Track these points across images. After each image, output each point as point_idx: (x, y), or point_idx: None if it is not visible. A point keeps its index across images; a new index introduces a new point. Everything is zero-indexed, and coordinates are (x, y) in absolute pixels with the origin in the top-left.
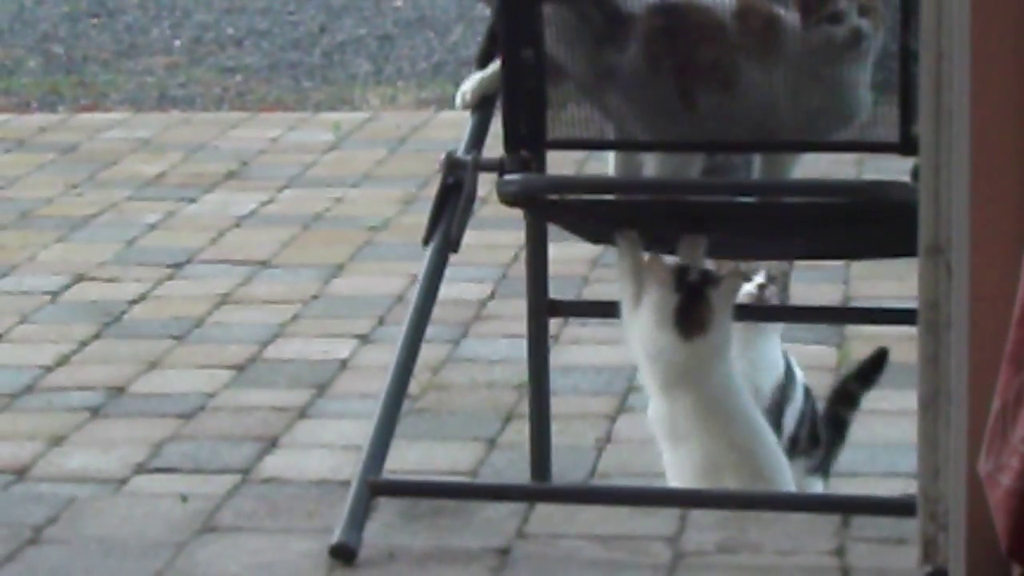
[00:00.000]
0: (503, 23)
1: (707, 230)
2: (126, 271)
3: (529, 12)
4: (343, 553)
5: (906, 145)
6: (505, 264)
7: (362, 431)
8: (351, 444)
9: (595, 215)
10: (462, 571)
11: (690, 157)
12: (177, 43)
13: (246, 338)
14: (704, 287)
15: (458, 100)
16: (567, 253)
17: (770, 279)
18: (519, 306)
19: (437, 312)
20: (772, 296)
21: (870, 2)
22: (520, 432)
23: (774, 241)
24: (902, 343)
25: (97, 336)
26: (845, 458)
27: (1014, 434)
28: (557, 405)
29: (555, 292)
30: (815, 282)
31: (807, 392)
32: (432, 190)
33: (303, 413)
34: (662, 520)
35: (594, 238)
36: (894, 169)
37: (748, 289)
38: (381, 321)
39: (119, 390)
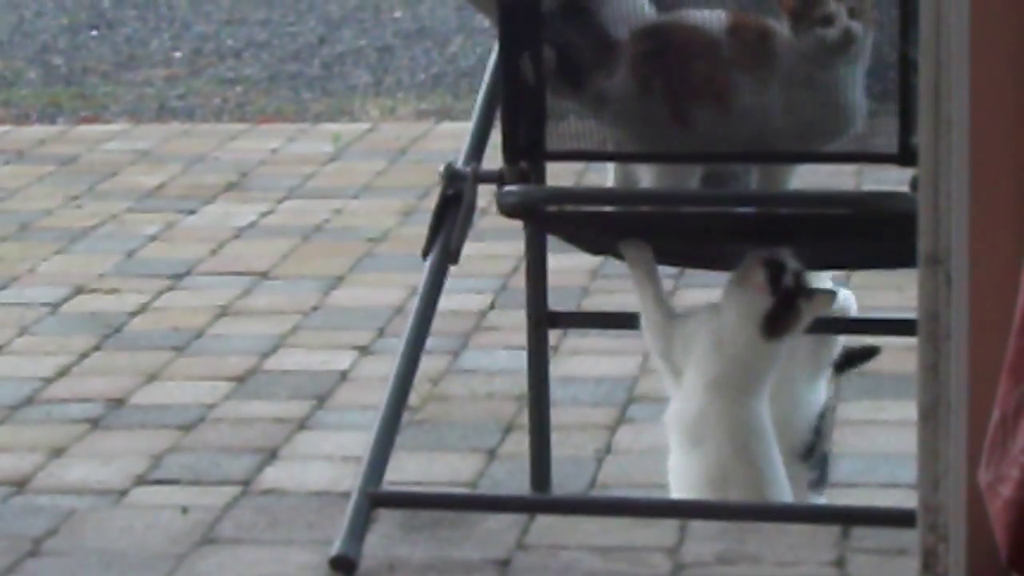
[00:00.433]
0: (502, 34)
1: (706, 241)
2: (126, 283)
3: (529, 23)
4: (343, 565)
5: (905, 156)
6: (505, 275)
7: (362, 442)
8: (351, 455)
9: (595, 226)
10: None
11: (688, 168)
12: (177, 55)
13: (246, 349)
14: (797, 296)
15: None
16: (567, 264)
17: None
18: (519, 317)
19: (437, 323)
20: None
21: (860, 4)
22: (520, 443)
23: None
24: (901, 353)
25: (97, 348)
26: (844, 468)
27: (1014, 445)
28: (557, 416)
29: (555, 303)
30: None
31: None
32: (432, 201)
33: (303, 424)
34: (662, 531)
35: (594, 249)
36: (893, 180)
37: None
38: (381, 332)
39: (119, 402)
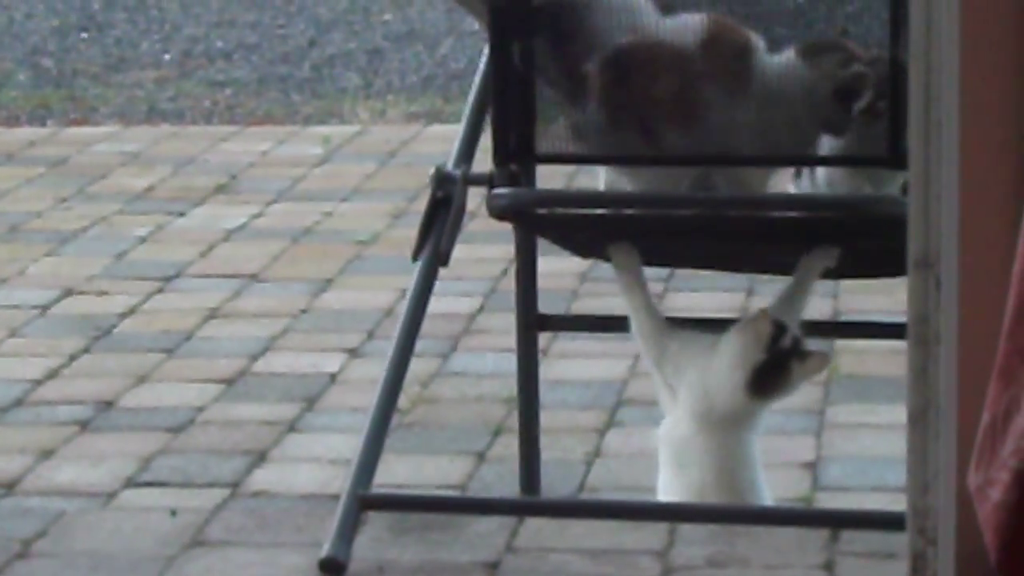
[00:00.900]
0: (492, 37)
1: (696, 244)
2: (115, 285)
3: (519, 26)
4: (332, 567)
5: (895, 159)
6: (494, 278)
7: (351, 445)
8: (340, 458)
9: (585, 229)
10: None
11: (676, 175)
12: (167, 57)
13: (235, 352)
14: (791, 358)
15: None
16: (557, 267)
17: None
18: (508, 320)
19: (426, 326)
20: None
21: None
22: (509, 446)
23: (762, 255)
24: (891, 357)
25: (86, 350)
26: (833, 472)
27: (1003, 448)
28: (546, 419)
29: (544, 306)
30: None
31: None
32: (422, 204)
33: (292, 427)
34: (651, 534)
35: (584, 252)
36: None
37: None
38: (370, 335)
39: (108, 404)
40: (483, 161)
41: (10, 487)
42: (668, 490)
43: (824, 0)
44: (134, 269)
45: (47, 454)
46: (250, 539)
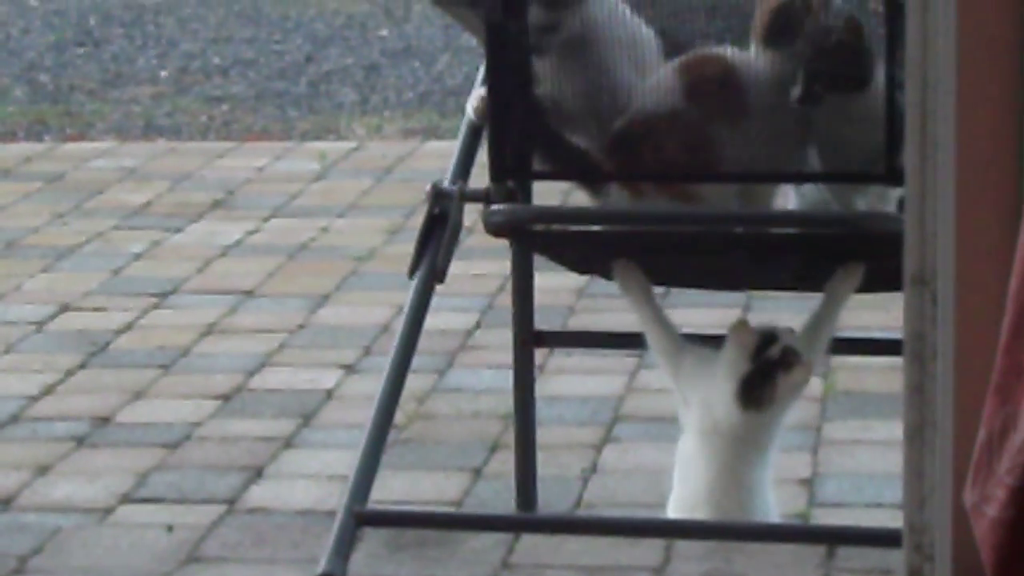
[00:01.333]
0: (489, 53)
1: (693, 260)
2: (112, 301)
3: (516, 43)
4: None
5: (892, 175)
6: (491, 294)
7: (348, 461)
8: (337, 474)
9: (581, 245)
10: None
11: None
12: (163, 73)
13: (232, 368)
14: (777, 369)
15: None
16: (553, 283)
17: None
18: (505, 336)
19: (423, 342)
20: None
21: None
22: (505, 462)
23: (759, 271)
24: (888, 373)
25: (83, 366)
26: (830, 488)
27: (1000, 465)
28: (542, 435)
29: (541, 322)
30: (801, 312)
31: None
32: (418, 220)
33: (289, 443)
34: (648, 551)
35: (580, 268)
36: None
37: None
38: (367, 351)
39: (104, 420)
40: (480, 177)
41: (6, 503)
42: (671, 505)
43: None
44: (130, 285)
45: (43, 470)
46: (246, 555)
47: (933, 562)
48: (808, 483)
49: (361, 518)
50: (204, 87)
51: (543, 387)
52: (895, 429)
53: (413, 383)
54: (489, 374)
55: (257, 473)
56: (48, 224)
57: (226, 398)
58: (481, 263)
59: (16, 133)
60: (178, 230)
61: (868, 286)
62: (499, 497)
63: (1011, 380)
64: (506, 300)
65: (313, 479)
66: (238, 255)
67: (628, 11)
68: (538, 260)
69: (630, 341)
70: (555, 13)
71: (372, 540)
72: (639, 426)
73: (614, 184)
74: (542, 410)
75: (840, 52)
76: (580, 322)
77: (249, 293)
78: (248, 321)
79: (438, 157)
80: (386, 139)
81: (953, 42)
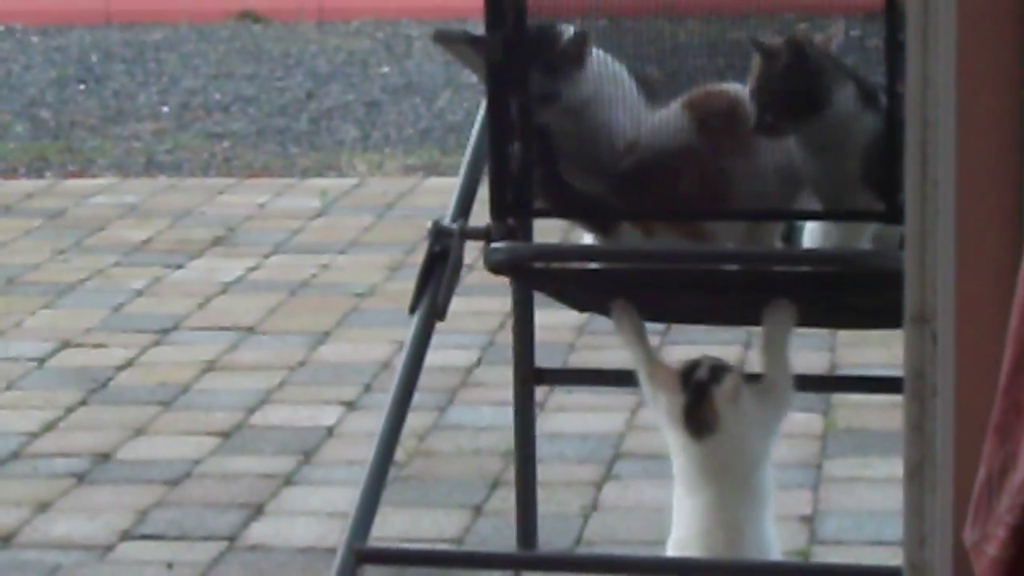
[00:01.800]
0: (489, 90)
1: (693, 298)
2: (112, 337)
3: (516, 80)
4: None
5: (892, 213)
6: (491, 331)
7: (348, 498)
8: (337, 511)
9: (581, 283)
10: None
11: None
12: (164, 109)
13: (232, 404)
14: (709, 386)
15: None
16: (554, 320)
17: None
18: (505, 373)
19: (423, 379)
20: None
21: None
22: (506, 499)
23: (759, 309)
24: (888, 410)
25: (83, 402)
26: (830, 526)
27: (999, 504)
28: (543, 472)
29: (541, 360)
30: (801, 349)
31: None
32: (419, 256)
33: (289, 480)
34: None
35: (580, 306)
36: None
37: None
38: (367, 388)
39: (105, 456)
40: (480, 214)
41: (6, 540)
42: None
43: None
44: (131, 321)
45: (43, 507)
46: None
47: None
48: (808, 520)
49: (361, 556)
50: (205, 123)
51: (543, 424)
52: (896, 466)
53: (414, 420)
54: (489, 411)
55: (257, 510)
56: (49, 260)
57: (226, 435)
58: (482, 300)
59: (17, 169)
60: (179, 266)
61: (869, 323)
62: (499, 534)
63: (1011, 419)
64: (507, 337)
65: (313, 516)
66: (239, 292)
67: (616, 64)
68: (539, 297)
69: (631, 379)
70: (555, 83)
71: None
72: (639, 464)
73: (625, 223)
74: (542, 447)
75: (784, 76)
76: (581, 359)
77: (250, 330)
78: (249, 358)
79: (439, 194)
80: (387, 176)
81: (952, 80)
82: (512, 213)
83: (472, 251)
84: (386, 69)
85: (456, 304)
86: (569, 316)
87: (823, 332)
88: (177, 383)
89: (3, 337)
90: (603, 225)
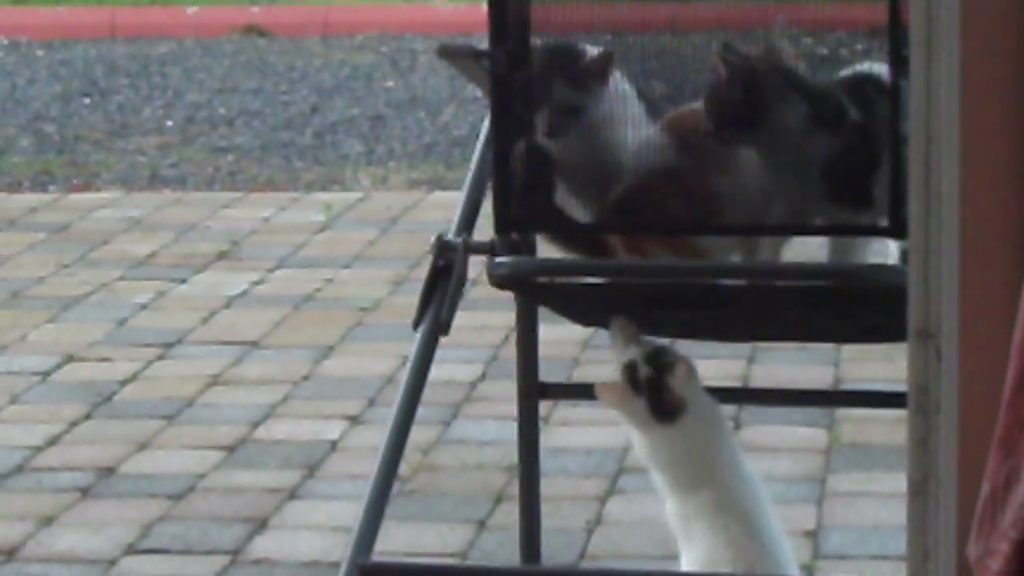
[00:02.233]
0: (494, 104)
1: (696, 312)
2: (117, 351)
3: (520, 94)
4: None
5: (896, 228)
6: (495, 346)
7: (352, 512)
8: (341, 525)
9: (585, 298)
10: None
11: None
12: (169, 123)
13: (236, 419)
14: (661, 376)
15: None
16: (558, 335)
17: None
18: (509, 388)
19: (427, 393)
20: None
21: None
22: (510, 514)
23: (763, 323)
24: (892, 425)
25: (87, 416)
26: (835, 541)
27: (1003, 519)
28: (547, 487)
29: (545, 374)
30: (805, 364)
31: None
32: (423, 271)
33: (293, 494)
34: None
35: (585, 321)
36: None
37: None
38: (371, 402)
39: (109, 470)
40: (485, 228)
41: (10, 554)
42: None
43: (821, 70)
44: (135, 335)
45: (47, 521)
46: None
47: None
48: (812, 535)
49: (365, 570)
50: (210, 137)
51: (548, 439)
52: (900, 481)
53: (417, 434)
54: (493, 426)
55: (262, 524)
56: (53, 274)
57: (231, 449)
58: (485, 315)
59: (22, 183)
60: (183, 281)
61: (873, 338)
62: (503, 549)
63: (1015, 434)
64: (511, 352)
65: (317, 530)
66: (243, 306)
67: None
68: (543, 312)
69: None
70: (580, 95)
71: None
72: (643, 478)
73: (620, 248)
74: (546, 462)
75: (726, 89)
76: (585, 373)
77: (254, 344)
78: (253, 372)
79: (443, 208)
80: (391, 190)
81: (956, 95)
82: (516, 227)
83: (476, 265)
84: (391, 83)
85: (460, 318)
86: (573, 330)
87: (827, 347)
88: (181, 397)
89: (7, 351)
90: (598, 252)
